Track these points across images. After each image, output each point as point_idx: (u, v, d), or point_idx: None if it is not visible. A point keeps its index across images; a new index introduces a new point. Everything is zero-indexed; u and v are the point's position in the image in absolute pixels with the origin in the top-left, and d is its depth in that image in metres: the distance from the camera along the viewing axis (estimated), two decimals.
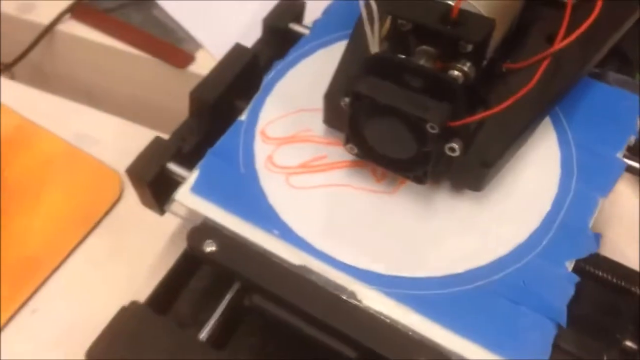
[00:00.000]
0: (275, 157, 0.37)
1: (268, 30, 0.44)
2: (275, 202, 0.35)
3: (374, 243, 0.34)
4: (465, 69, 0.32)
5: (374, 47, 0.34)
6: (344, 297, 0.33)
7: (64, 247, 0.47)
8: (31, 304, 0.45)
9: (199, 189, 0.36)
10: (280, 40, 0.44)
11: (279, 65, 0.41)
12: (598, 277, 0.35)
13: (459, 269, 0.33)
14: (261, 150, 0.38)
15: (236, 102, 0.41)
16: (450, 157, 0.33)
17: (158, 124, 0.49)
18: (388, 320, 0.32)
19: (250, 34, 0.45)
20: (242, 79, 0.41)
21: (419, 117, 0.31)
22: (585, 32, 0.32)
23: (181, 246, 0.37)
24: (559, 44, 0.33)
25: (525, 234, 0.34)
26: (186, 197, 0.36)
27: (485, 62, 0.33)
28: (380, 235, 0.35)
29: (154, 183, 0.37)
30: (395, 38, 0.33)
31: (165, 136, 0.40)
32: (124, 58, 0.60)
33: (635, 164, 0.37)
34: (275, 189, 0.36)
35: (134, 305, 0.35)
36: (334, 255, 0.34)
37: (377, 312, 0.32)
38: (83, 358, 0.33)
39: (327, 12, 0.43)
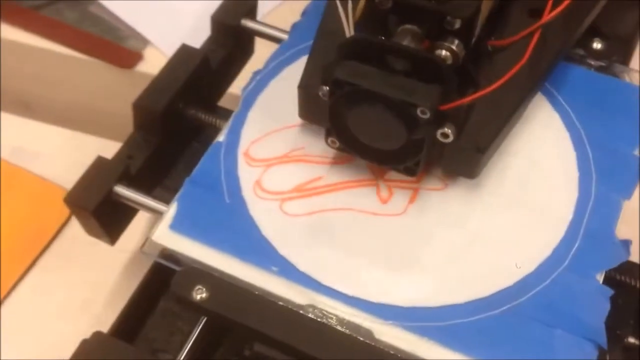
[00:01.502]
0: (265, 182, 0.33)
1: (218, 28, 0.40)
2: (270, 233, 0.31)
3: (385, 272, 0.31)
4: (454, 47, 0.30)
5: (350, 30, 0.31)
6: (360, 337, 0.29)
7: (9, 277, 0.43)
8: None
9: (179, 225, 0.32)
10: (232, 38, 0.40)
11: (258, 75, 0.37)
12: None
13: (483, 293, 0.30)
14: (247, 174, 0.33)
15: (188, 110, 0.37)
16: (442, 143, 0.30)
17: (106, 131, 0.46)
18: (412, 359, 0.29)
19: (204, 27, 0.41)
20: (192, 84, 0.37)
21: (408, 102, 0.29)
22: (568, 5, 0.32)
23: (145, 266, 0.34)
24: (547, 17, 0.32)
25: (550, 247, 0.31)
26: (165, 237, 0.31)
27: (475, 39, 0.31)
28: (392, 262, 0.31)
29: (100, 211, 0.34)
30: (371, 18, 0.31)
31: (116, 145, 0.36)
32: (60, 61, 0.55)
33: None
34: (268, 218, 0.32)
35: (97, 336, 0.31)
36: (342, 290, 0.30)
37: (398, 349, 0.29)
38: None
39: (306, 13, 0.39)
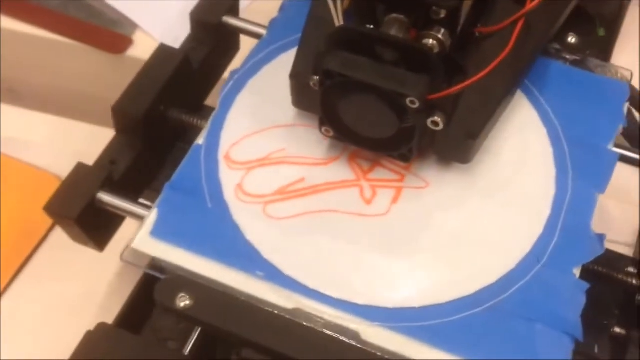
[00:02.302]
0: (247, 185, 0.33)
1: (198, 26, 0.39)
2: (254, 238, 0.31)
3: (371, 274, 0.31)
4: (440, 36, 0.31)
5: (338, 20, 0.31)
6: (347, 341, 0.29)
7: (8, 269, 0.42)
8: None
9: (160, 232, 0.31)
10: (214, 36, 0.39)
11: (236, 74, 0.36)
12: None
13: (467, 291, 0.30)
14: (228, 178, 0.33)
15: (172, 112, 0.36)
16: (433, 131, 0.31)
17: (98, 118, 0.45)
18: (399, 359, 0.29)
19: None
20: (174, 85, 0.36)
21: (397, 92, 0.29)
22: None
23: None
24: (532, 4, 0.32)
25: (530, 243, 0.32)
26: (146, 244, 0.31)
27: (460, 28, 0.31)
28: (378, 264, 0.31)
29: (83, 219, 0.33)
30: (360, 7, 0.31)
31: (108, 132, 0.35)
32: (49, 48, 0.53)
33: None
34: (252, 222, 0.32)
35: (101, 327, 0.30)
36: (329, 293, 0.30)
37: (385, 350, 0.29)
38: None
39: (284, 9, 0.38)
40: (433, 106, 0.30)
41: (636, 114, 0.38)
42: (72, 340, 0.29)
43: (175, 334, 0.34)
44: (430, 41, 0.31)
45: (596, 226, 0.32)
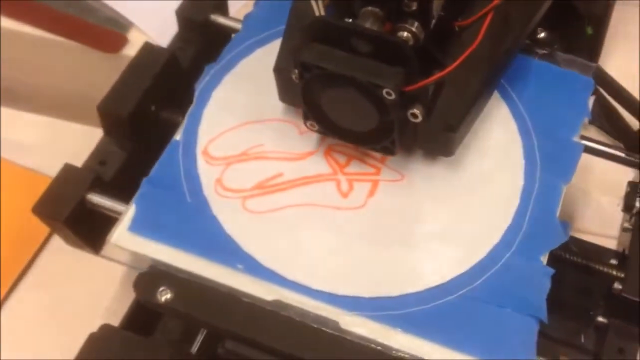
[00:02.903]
0: (225, 180, 0.33)
1: (185, 24, 0.39)
2: (234, 231, 0.32)
3: (349, 265, 0.32)
4: (414, 29, 0.31)
5: (319, 12, 0.31)
6: (328, 330, 0.30)
7: (8, 275, 0.42)
8: None
9: (139, 226, 0.32)
10: (201, 35, 0.39)
11: (212, 69, 0.36)
12: (567, 259, 0.35)
13: (440, 280, 0.32)
14: (207, 173, 0.33)
15: (159, 112, 0.36)
16: (414, 124, 0.31)
17: (94, 119, 0.43)
18: (378, 347, 0.30)
19: None
20: (160, 85, 0.36)
21: (373, 84, 0.29)
22: None
23: None
24: None
25: (499, 233, 0.33)
26: (124, 239, 0.31)
27: (434, 21, 0.32)
28: (355, 255, 0.32)
29: (73, 221, 0.33)
30: (338, 1, 0.31)
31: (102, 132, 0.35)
32: (43, 47, 0.52)
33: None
34: (231, 216, 0.32)
35: (105, 328, 0.30)
36: (308, 284, 0.31)
37: (364, 338, 0.30)
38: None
39: (258, 4, 0.39)
40: (411, 98, 0.30)
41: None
42: (75, 345, 0.29)
43: (186, 335, 0.34)
44: (405, 34, 0.31)
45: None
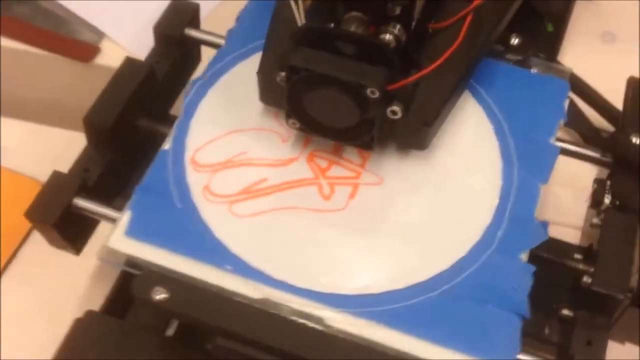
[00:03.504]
0: (213, 186, 0.35)
1: (161, 39, 0.41)
2: (222, 234, 0.33)
3: (332, 264, 0.33)
4: (396, 32, 0.33)
5: (300, 19, 0.33)
6: (312, 325, 0.31)
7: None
8: None
9: (134, 231, 0.33)
10: (176, 48, 0.41)
11: (197, 83, 0.38)
12: (532, 254, 0.35)
13: (421, 277, 0.33)
14: (195, 180, 0.35)
15: (139, 121, 0.38)
16: (392, 120, 0.33)
17: (72, 124, 0.45)
18: (361, 342, 0.31)
19: (159, 16, 0.41)
20: (140, 97, 0.38)
21: (358, 84, 0.31)
22: None
23: None
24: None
25: (480, 231, 0.34)
26: (121, 243, 0.33)
27: (414, 24, 0.34)
28: (338, 255, 0.33)
29: (61, 224, 0.34)
30: (321, 6, 0.33)
31: (83, 136, 0.36)
32: (20, 58, 0.54)
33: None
34: (219, 220, 0.34)
35: (90, 314, 0.32)
36: (294, 283, 0.32)
37: (349, 334, 0.31)
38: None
39: (240, 19, 0.41)
40: (391, 97, 0.32)
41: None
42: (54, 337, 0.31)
43: (156, 319, 0.35)
44: (387, 36, 0.33)
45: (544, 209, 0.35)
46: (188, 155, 0.36)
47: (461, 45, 0.34)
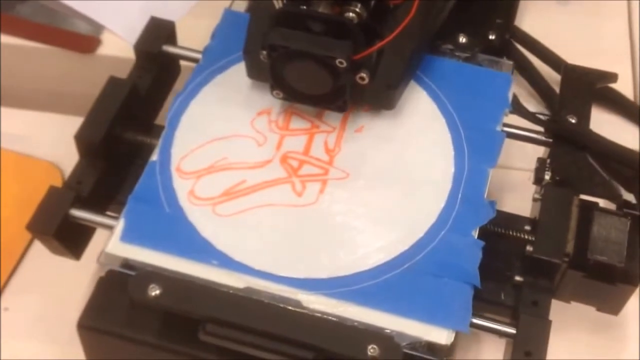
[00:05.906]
0: (197, 191, 0.38)
1: (141, 56, 0.45)
2: (207, 233, 0.37)
3: (307, 252, 0.37)
4: (358, 10, 0.38)
5: (278, 3, 0.38)
6: (291, 308, 0.35)
7: (11, 259, 0.47)
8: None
9: (128, 236, 0.37)
10: (156, 64, 0.44)
11: (179, 98, 0.42)
12: (486, 228, 0.39)
13: (386, 258, 0.37)
14: (181, 186, 0.39)
15: (126, 134, 0.42)
16: (362, 85, 0.38)
17: (79, 110, 0.47)
18: (335, 319, 0.35)
19: (154, 5, 0.45)
20: (125, 112, 0.41)
21: (329, 56, 0.36)
22: None
23: None
24: None
25: (436, 213, 0.38)
26: (118, 248, 0.37)
27: (373, 2, 0.39)
28: (312, 244, 0.37)
29: (60, 234, 0.38)
30: None
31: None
32: (25, 54, 0.57)
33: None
34: (204, 221, 0.37)
35: (112, 272, 0.36)
36: (273, 272, 0.36)
37: (323, 313, 0.35)
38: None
39: (215, 36, 0.44)
40: (359, 65, 0.37)
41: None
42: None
43: None
44: (350, 14, 0.38)
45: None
46: (174, 164, 0.39)
47: (415, 18, 0.39)
